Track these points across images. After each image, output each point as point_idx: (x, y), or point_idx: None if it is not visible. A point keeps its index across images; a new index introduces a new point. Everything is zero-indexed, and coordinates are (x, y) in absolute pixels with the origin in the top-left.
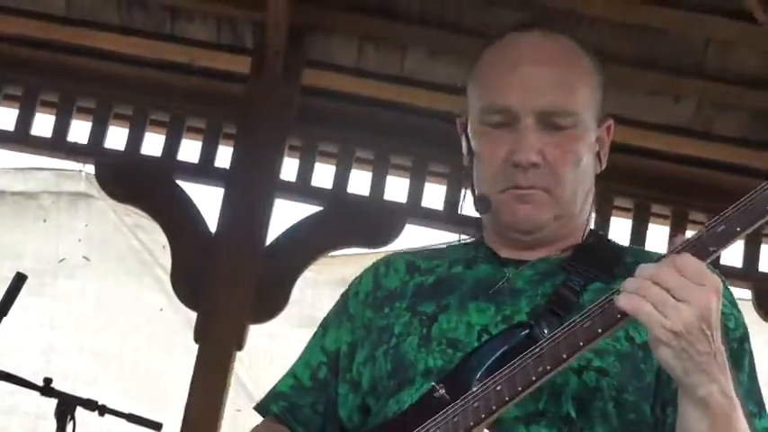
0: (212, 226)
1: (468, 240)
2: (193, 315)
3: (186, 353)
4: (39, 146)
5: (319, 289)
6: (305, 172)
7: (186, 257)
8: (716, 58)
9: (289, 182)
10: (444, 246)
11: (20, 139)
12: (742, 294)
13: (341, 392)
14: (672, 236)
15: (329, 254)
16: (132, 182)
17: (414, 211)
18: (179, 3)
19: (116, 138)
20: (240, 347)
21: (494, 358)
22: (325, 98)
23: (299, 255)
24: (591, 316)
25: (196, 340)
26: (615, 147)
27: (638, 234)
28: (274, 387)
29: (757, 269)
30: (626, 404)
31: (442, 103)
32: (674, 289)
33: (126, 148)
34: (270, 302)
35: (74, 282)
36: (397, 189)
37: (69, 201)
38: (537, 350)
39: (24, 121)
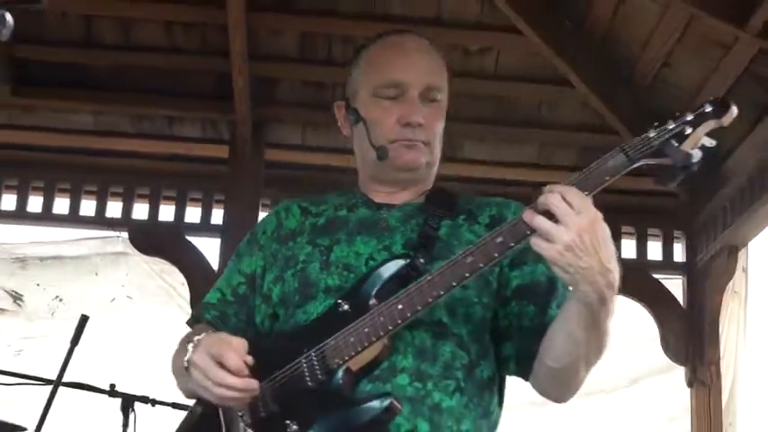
0: (215, 266)
1: (345, 190)
2: None
3: None
4: (87, 222)
5: None
6: None
7: (199, 290)
8: (548, 113)
9: None
10: (326, 195)
11: (73, 218)
12: None
13: (257, 304)
14: None
15: None
16: (156, 241)
17: None
18: (174, 112)
19: (141, 211)
20: None
21: (383, 281)
22: (283, 169)
23: None
24: (498, 235)
25: None
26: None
27: None
28: (205, 299)
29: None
30: (481, 306)
31: None
32: (557, 214)
33: (149, 218)
34: None
35: (122, 315)
36: None
37: (113, 258)
38: (429, 278)
39: (74, 205)
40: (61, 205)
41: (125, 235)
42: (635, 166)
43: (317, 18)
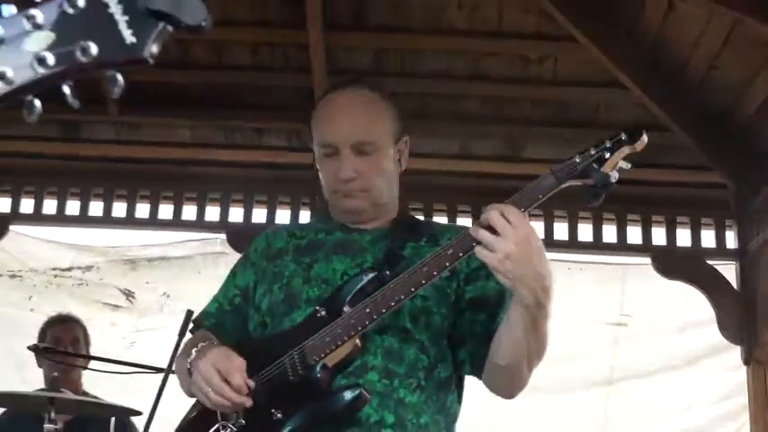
0: None
1: (324, 217)
2: None
3: None
4: (189, 225)
5: None
6: None
7: None
8: (604, 114)
9: None
10: (308, 221)
11: (177, 222)
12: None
13: (250, 313)
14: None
15: None
16: (249, 241)
17: None
18: (262, 125)
19: (236, 214)
20: None
21: (355, 291)
22: None
23: None
24: (443, 251)
25: None
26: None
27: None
28: (205, 309)
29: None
30: (439, 315)
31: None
32: (497, 228)
33: (243, 220)
34: None
35: None
36: None
37: (213, 258)
38: (392, 285)
39: (177, 211)
40: (166, 211)
41: (223, 236)
42: (563, 186)
43: (389, 34)
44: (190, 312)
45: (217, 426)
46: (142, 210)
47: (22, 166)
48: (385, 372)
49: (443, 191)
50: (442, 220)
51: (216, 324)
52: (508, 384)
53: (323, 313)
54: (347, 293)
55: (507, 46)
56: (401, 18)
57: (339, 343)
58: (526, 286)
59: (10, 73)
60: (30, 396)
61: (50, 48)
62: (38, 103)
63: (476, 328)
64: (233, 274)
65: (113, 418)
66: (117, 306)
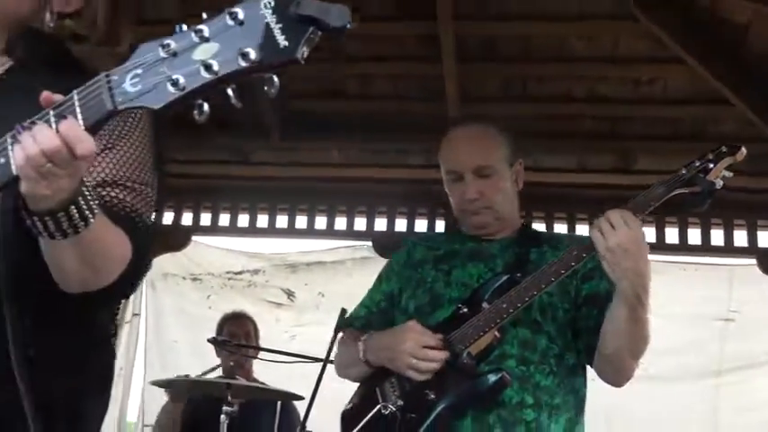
0: None
1: (454, 232)
2: None
3: None
4: (340, 234)
5: None
6: None
7: None
8: (712, 128)
9: None
10: (441, 234)
11: (330, 231)
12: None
13: (396, 314)
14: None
15: None
16: (394, 247)
17: None
18: (404, 146)
19: (381, 224)
20: None
21: (492, 290)
22: None
23: None
24: (568, 253)
25: None
26: None
27: None
28: (354, 312)
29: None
30: (562, 310)
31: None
32: (613, 223)
33: (387, 229)
34: None
35: None
36: None
37: (361, 262)
38: (524, 284)
39: (330, 222)
40: (320, 222)
41: (369, 243)
42: (672, 194)
43: (514, 63)
44: (344, 310)
45: (378, 406)
46: (301, 221)
47: (201, 187)
48: (522, 359)
49: (563, 201)
50: (562, 227)
51: (364, 325)
52: (613, 371)
53: (465, 310)
54: (485, 293)
55: (621, 69)
56: (526, 48)
57: (481, 333)
58: (627, 280)
59: (182, 80)
60: (211, 382)
61: (215, 56)
62: (206, 106)
63: (589, 322)
64: (379, 281)
65: (279, 402)
66: (280, 304)
